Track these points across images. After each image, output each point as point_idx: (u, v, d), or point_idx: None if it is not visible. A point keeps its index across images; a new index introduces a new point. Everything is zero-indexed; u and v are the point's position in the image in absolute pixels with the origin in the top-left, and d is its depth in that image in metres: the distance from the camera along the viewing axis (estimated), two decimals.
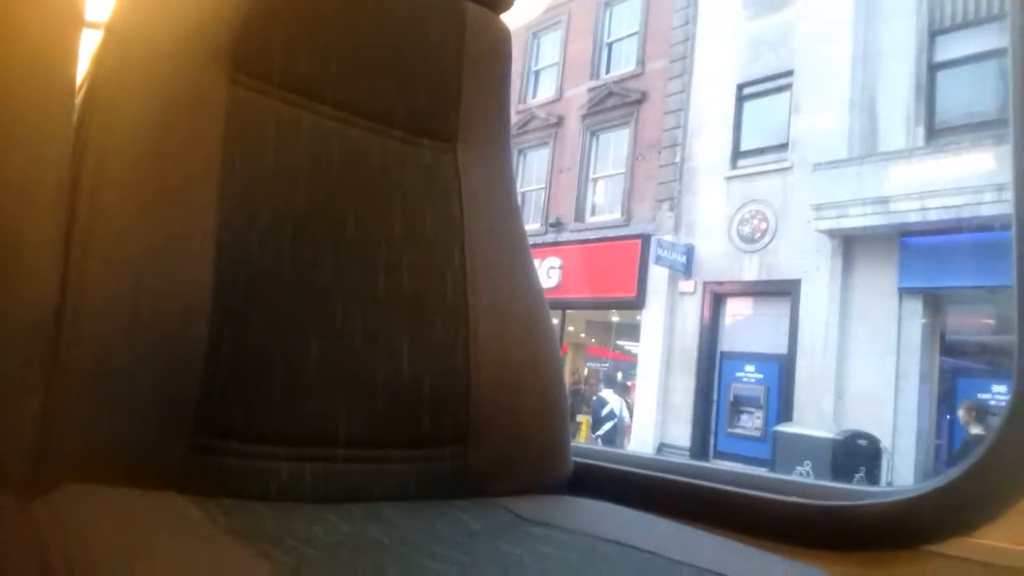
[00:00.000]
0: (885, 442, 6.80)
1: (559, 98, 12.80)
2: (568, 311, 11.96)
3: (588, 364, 13.18)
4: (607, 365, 12.78)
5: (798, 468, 5.69)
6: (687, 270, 10.10)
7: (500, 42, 0.91)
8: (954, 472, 0.68)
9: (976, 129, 7.57)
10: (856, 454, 5.75)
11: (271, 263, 0.69)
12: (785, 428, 6.87)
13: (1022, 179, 0.68)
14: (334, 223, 0.74)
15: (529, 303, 0.86)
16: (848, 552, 0.70)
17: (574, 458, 0.88)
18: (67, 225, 0.60)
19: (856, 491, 0.75)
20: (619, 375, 12.49)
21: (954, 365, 7.96)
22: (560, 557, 0.59)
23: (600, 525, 0.68)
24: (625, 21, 12.21)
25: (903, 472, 7.13)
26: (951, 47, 8.27)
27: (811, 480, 0.79)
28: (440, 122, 0.84)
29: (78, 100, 0.64)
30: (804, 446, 6.14)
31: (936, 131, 8.23)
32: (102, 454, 0.59)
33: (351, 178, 0.76)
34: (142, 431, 0.61)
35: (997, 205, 6.76)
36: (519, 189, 12.89)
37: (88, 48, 0.67)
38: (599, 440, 8.82)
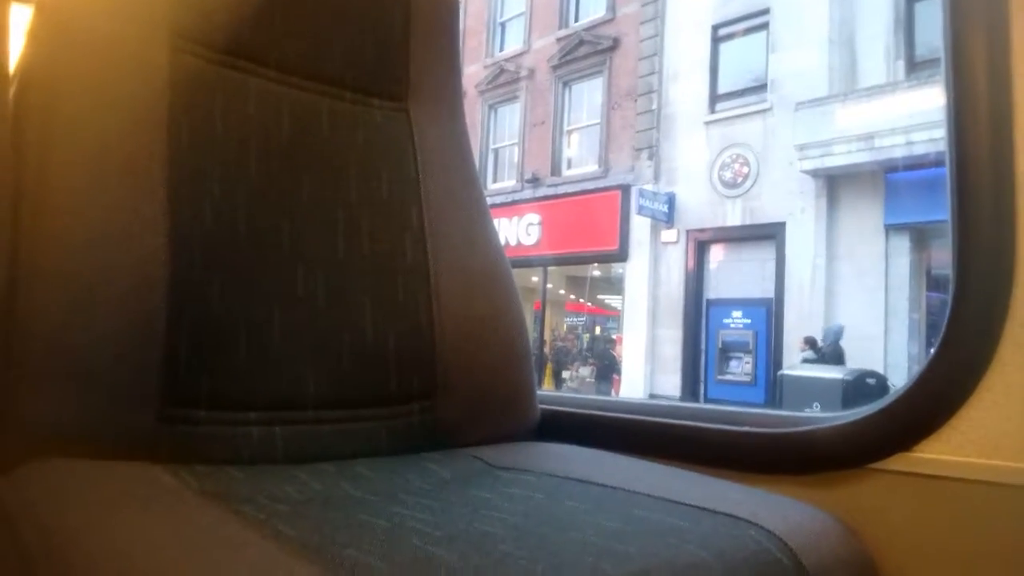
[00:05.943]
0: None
1: (527, 50, 12.43)
2: (549, 268, 11.79)
3: (566, 320, 13.08)
4: (583, 319, 12.72)
5: (808, 412, 5.57)
6: (669, 219, 9.98)
7: None
8: (895, 394, 0.70)
9: None
10: (867, 393, 5.74)
11: (227, 231, 0.69)
12: (791, 371, 6.85)
13: (955, 116, 0.66)
14: (288, 188, 0.73)
15: (488, 258, 0.87)
16: (798, 474, 0.73)
17: (541, 405, 0.91)
18: (13, 204, 0.60)
19: (805, 418, 0.77)
20: (597, 329, 12.45)
21: (941, 299, 8.00)
22: (527, 497, 0.60)
23: (566, 466, 0.70)
24: None
25: None
26: None
27: (762, 410, 0.86)
28: (390, 81, 0.84)
29: (13, 80, 0.64)
30: (812, 388, 6.13)
31: (916, 64, 8.17)
32: (67, 429, 0.60)
33: (303, 142, 0.76)
34: (106, 405, 0.61)
35: None
36: (491, 146, 12.73)
37: (19, 25, 0.66)
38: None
